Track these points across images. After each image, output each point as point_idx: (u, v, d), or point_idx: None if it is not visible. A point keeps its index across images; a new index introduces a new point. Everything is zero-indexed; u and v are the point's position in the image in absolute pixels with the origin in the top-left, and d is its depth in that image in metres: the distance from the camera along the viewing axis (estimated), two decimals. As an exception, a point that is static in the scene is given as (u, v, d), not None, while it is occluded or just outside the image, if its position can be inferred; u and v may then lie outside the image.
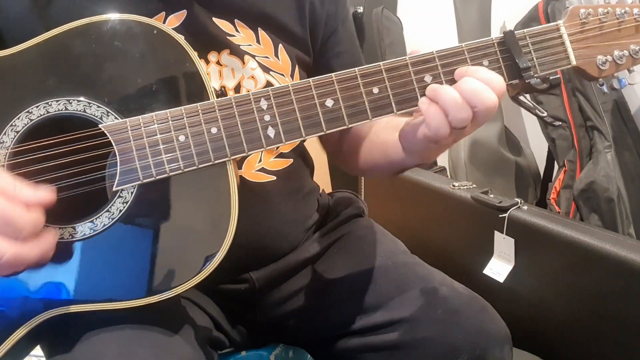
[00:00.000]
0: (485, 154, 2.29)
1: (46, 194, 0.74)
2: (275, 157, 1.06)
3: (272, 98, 0.83)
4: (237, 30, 1.00)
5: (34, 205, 0.73)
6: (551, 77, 0.88)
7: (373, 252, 1.10)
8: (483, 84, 0.81)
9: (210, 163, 0.82)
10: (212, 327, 1.03)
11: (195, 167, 0.82)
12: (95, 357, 0.81)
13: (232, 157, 0.83)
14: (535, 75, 0.87)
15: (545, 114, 0.92)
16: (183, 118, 0.82)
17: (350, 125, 0.84)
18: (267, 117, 0.83)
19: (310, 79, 0.84)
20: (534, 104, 0.91)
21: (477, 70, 0.83)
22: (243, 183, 1.01)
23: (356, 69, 0.84)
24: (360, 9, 2.60)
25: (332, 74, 0.84)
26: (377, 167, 1.06)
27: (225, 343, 1.07)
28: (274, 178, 1.05)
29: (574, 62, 0.89)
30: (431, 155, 0.90)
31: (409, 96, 0.85)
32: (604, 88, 0.94)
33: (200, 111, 0.82)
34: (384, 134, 1.02)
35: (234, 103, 0.82)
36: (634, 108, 2.02)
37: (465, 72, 0.83)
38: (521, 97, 0.90)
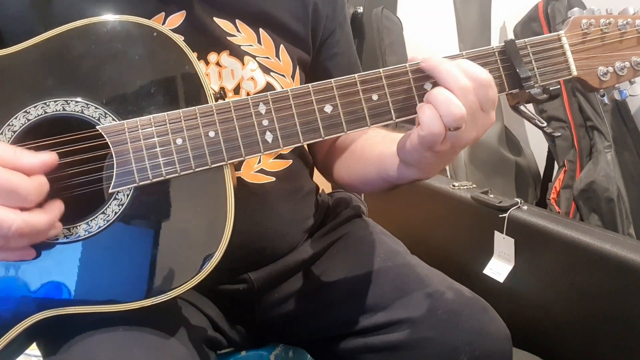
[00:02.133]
0: (485, 154, 2.28)
1: (47, 156, 0.75)
2: (274, 159, 1.05)
3: (270, 103, 0.82)
4: (238, 30, 1.00)
5: (37, 170, 0.74)
6: (551, 88, 0.87)
7: (373, 252, 1.10)
8: (459, 70, 0.80)
9: (207, 167, 0.81)
10: (208, 327, 1.03)
11: (192, 171, 0.81)
12: (89, 358, 0.81)
13: (230, 162, 0.82)
14: (536, 85, 0.86)
15: (545, 124, 0.91)
16: (181, 121, 0.81)
17: (348, 132, 0.84)
18: (265, 122, 0.82)
19: (310, 84, 0.83)
20: (534, 114, 0.90)
21: (460, 62, 0.82)
22: (242, 184, 1.00)
23: (356, 75, 0.84)
24: (360, 9, 2.60)
25: (332, 80, 0.83)
26: (370, 182, 1.04)
27: (223, 343, 1.07)
28: (273, 179, 1.05)
29: (574, 73, 0.89)
30: (429, 168, 0.88)
31: (409, 104, 0.84)
32: (605, 99, 0.94)
33: (198, 115, 0.82)
34: (380, 147, 1.01)
35: (232, 107, 0.82)
36: (634, 108, 2.02)
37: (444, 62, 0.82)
38: (521, 107, 0.89)
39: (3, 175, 0.72)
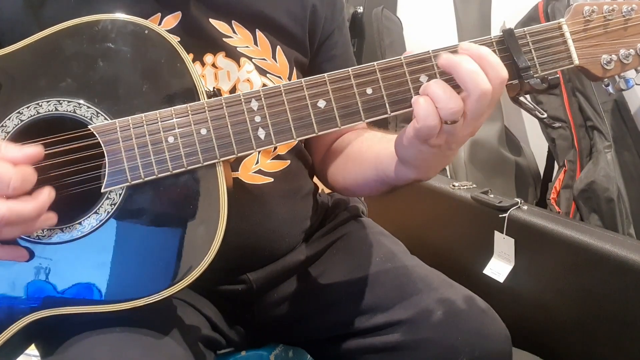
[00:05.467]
0: (485, 154, 2.28)
1: (32, 148, 0.75)
2: (272, 159, 1.05)
3: (263, 99, 0.82)
4: (234, 32, 1.00)
5: (21, 161, 0.74)
6: (550, 77, 0.85)
7: (372, 253, 1.10)
8: (478, 68, 0.77)
9: (199, 165, 0.81)
10: (207, 328, 1.03)
11: (184, 169, 0.81)
12: (86, 359, 0.80)
13: (222, 159, 0.82)
14: (536, 75, 0.84)
15: (545, 115, 0.90)
16: (172, 119, 0.81)
17: (342, 127, 0.83)
18: (257, 118, 0.82)
19: (302, 79, 0.82)
20: (534, 105, 0.89)
21: (478, 51, 0.79)
22: (240, 185, 1.00)
23: (349, 68, 0.82)
24: (360, 9, 2.60)
25: (325, 74, 0.82)
26: (368, 184, 1.03)
27: (222, 343, 1.07)
28: (271, 180, 1.04)
29: (576, 62, 0.86)
30: (425, 166, 0.87)
31: (404, 97, 0.83)
32: (610, 89, 0.91)
33: (189, 112, 0.81)
34: (376, 148, 1.00)
35: (224, 104, 0.82)
36: (634, 108, 2.02)
37: (467, 51, 0.79)
38: (521, 98, 0.87)
39: None
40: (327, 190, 1.29)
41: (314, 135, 0.83)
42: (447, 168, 2.34)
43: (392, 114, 0.83)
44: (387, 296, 1.01)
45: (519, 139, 2.44)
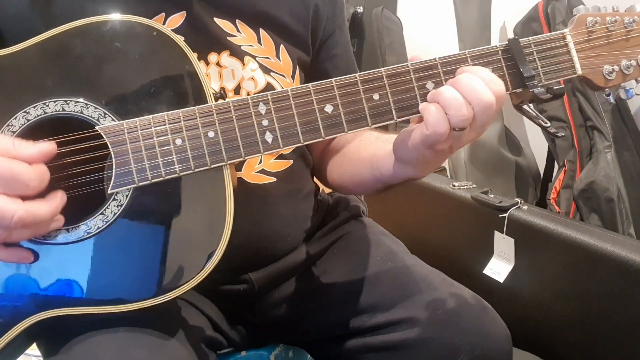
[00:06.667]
0: (485, 154, 2.29)
1: (46, 145, 0.75)
2: (275, 159, 1.05)
3: (270, 102, 0.82)
4: (238, 31, 1.00)
5: (36, 159, 0.74)
6: (555, 87, 0.86)
7: (373, 252, 1.10)
8: (481, 81, 0.79)
9: (207, 167, 0.81)
10: (208, 328, 1.03)
11: (191, 172, 0.81)
12: (90, 359, 0.81)
13: (229, 162, 0.82)
14: (540, 85, 0.85)
15: (548, 124, 0.90)
16: (180, 121, 0.81)
17: (349, 132, 0.83)
18: (265, 122, 0.82)
19: (310, 84, 0.83)
20: (537, 113, 0.89)
21: (478, 70, 0.81)
22: (243, 184, 1.00)
23: (357, 74, 0.83)
24: (360, 9, 2.60)
25: (332, 80, 0.83)
26: (362, 182, 1.03)
27: (223, 343, 1.07)
28: (274, 179, 1.04)
29: (579, 72, 0.87)
30: (423, 166, 0.88)
31: (410, 103, 0.83)
32: (611, 98, 0.92)
33: (197, 115, 0.81)
34: (373, 147, 1.01)
35: (232, 107, 0.82)
36: (634, 108, 2.02)
37: (467, 70, 0.82)
38: (524, 107, 0.88)
39: (3, 163, 0.72)
40: (327, 190, 1.29)
41: (321, 139, 0.83)
42: (447, 168, 2.34)
43: (399, 120, 0.84)
44: (388, 295, 1.02)
45: (519, 139, 2.44)
